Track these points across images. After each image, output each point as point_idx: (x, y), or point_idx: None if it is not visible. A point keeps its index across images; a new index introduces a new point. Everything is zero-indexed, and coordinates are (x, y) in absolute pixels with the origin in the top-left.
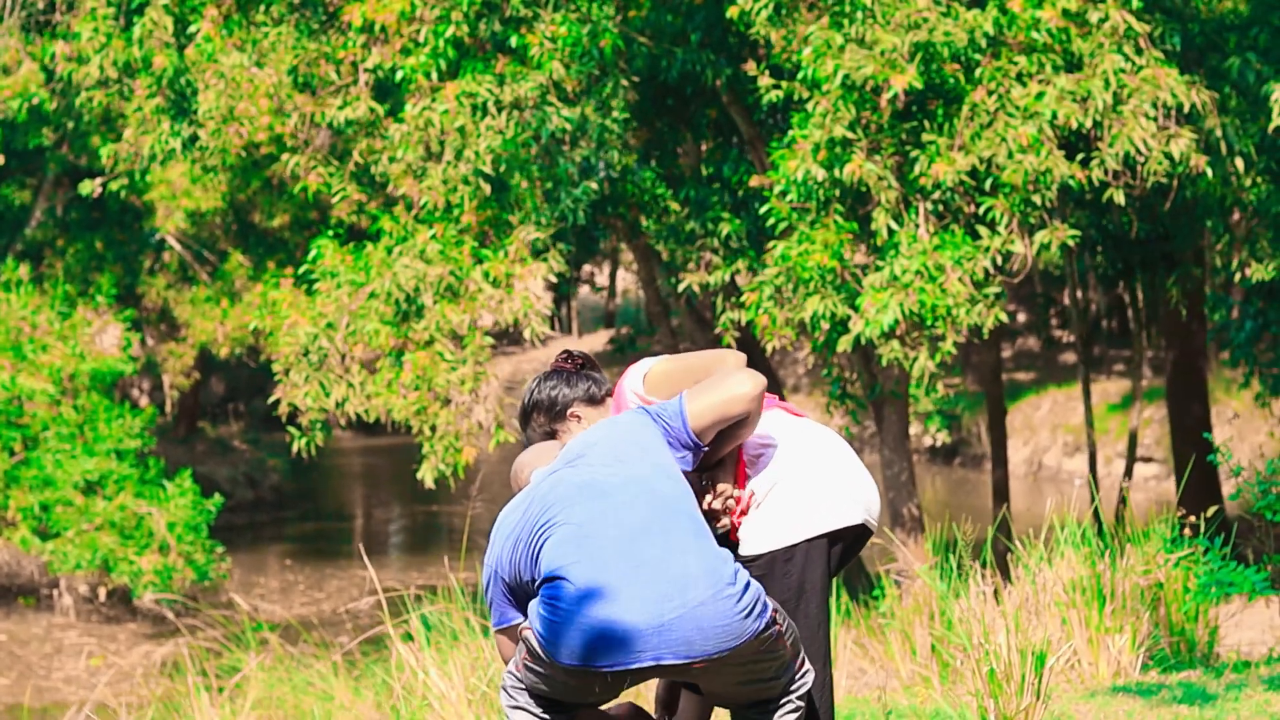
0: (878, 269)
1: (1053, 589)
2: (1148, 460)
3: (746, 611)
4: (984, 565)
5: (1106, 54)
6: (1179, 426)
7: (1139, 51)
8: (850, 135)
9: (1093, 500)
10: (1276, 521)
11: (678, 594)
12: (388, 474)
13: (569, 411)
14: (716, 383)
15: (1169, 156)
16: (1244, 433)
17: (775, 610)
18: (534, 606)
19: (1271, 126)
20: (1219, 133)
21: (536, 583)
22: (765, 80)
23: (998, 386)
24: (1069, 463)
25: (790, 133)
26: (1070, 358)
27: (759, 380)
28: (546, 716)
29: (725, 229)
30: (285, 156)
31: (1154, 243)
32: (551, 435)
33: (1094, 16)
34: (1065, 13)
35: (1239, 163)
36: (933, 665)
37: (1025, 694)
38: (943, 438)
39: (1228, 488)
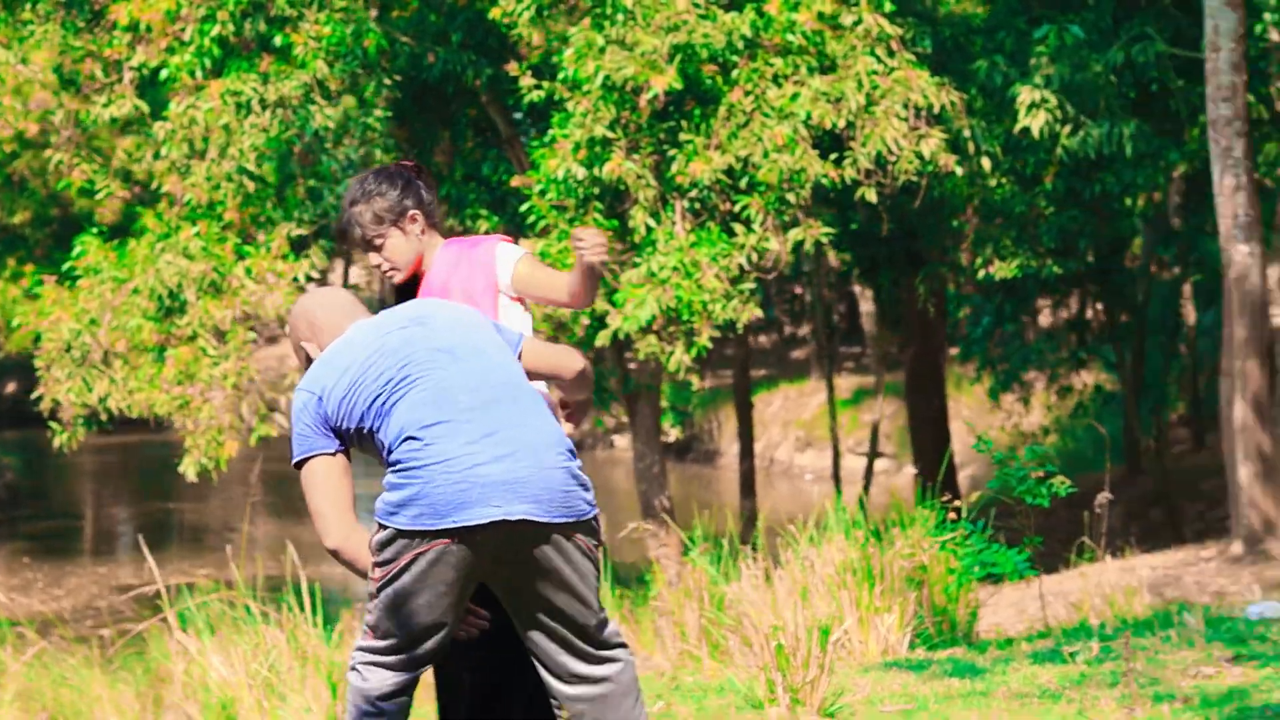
0: (635, 266)
1: (823, 571)
2: (879, 455)
3: (583, 484)
4: (755, 550)
5: (860, 56)
6: (918, 420)
7: (891, 54)
8: (610, 135)
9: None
10: (1036, 505)
11: (530, 455)
12: (119, 471)
13: (410, 213)
14: (560, 348)
15: (919, 156)
16: (976, 426)
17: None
18: (383, 488)
19: (1017, 127)
20: (967, 133)
21: (381, 437)
22: (527, 80)
23: (745, 381)
24: (800, 458)
25: (551, 132)
26: (801, 354)
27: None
28: (402, 672)
29: (484, 226)
30: (49, 152)
31: (899, 240)
32: (371, 244)
33: (848, 19)
34: (820, 15)
35: (985, 162)
36: (703, 645)
37: (811, 667)
38: (676, 433)
39: (963, 476)
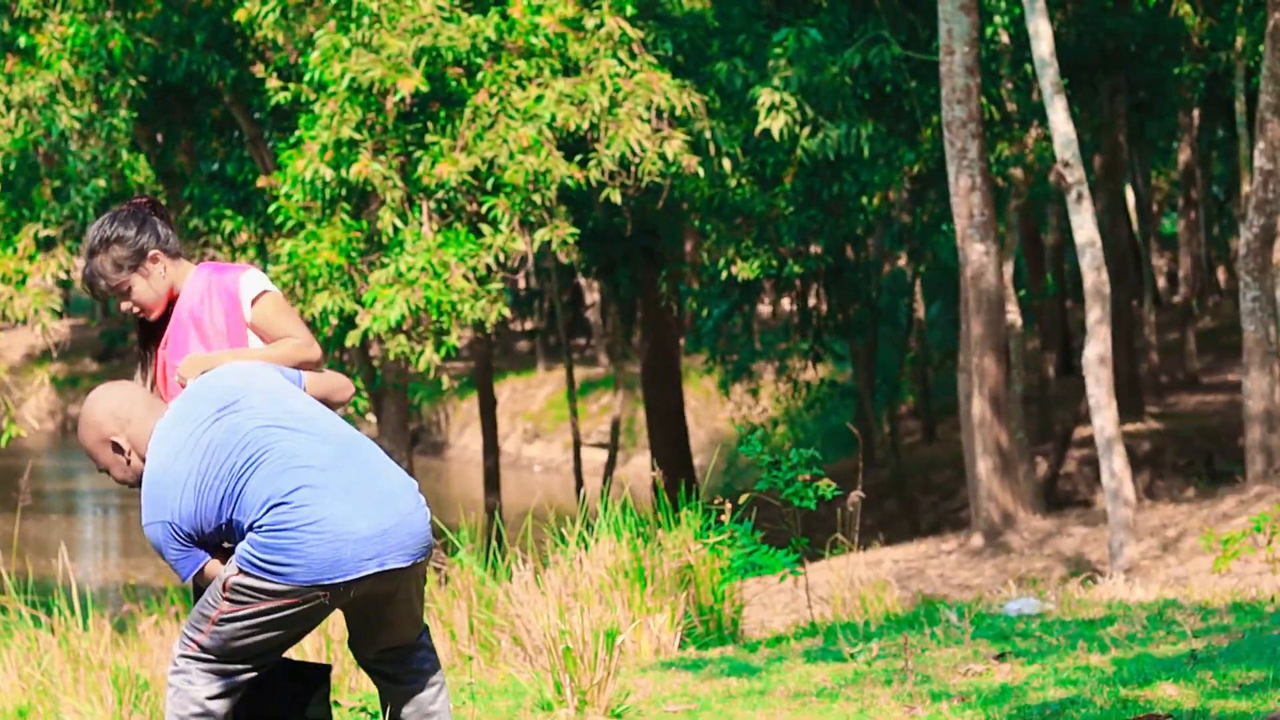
0: (383, 266)
1: (593, 572)
2: (601, 446)
3: (428, 520)
4: (526, 550)
5: (603, 59)
6: (655, 413)
7: (633, 56)
8: (357, 136)
9: (579, 486)
10: (803, 506)
11: (390, 504)
12: None
13: (150, 254)
14: (332, 376)
15: (663, 157)
16: (701, 418)
17: None
18: (247, 544)
19: (758, 129)
20: (708, 135)
21: (244, 521)
22: (274, 82)
23: (487, 377)
24: (529, 449)
25: (298, 134)
26: (525, 346)
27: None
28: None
29: (229, 226)
30: None
31: (638, 238)
32: (118, 291)
33: (590, 22)
34: (563, 19)
35: (726, 163)
36: (473, 645)
37: (598, 669)
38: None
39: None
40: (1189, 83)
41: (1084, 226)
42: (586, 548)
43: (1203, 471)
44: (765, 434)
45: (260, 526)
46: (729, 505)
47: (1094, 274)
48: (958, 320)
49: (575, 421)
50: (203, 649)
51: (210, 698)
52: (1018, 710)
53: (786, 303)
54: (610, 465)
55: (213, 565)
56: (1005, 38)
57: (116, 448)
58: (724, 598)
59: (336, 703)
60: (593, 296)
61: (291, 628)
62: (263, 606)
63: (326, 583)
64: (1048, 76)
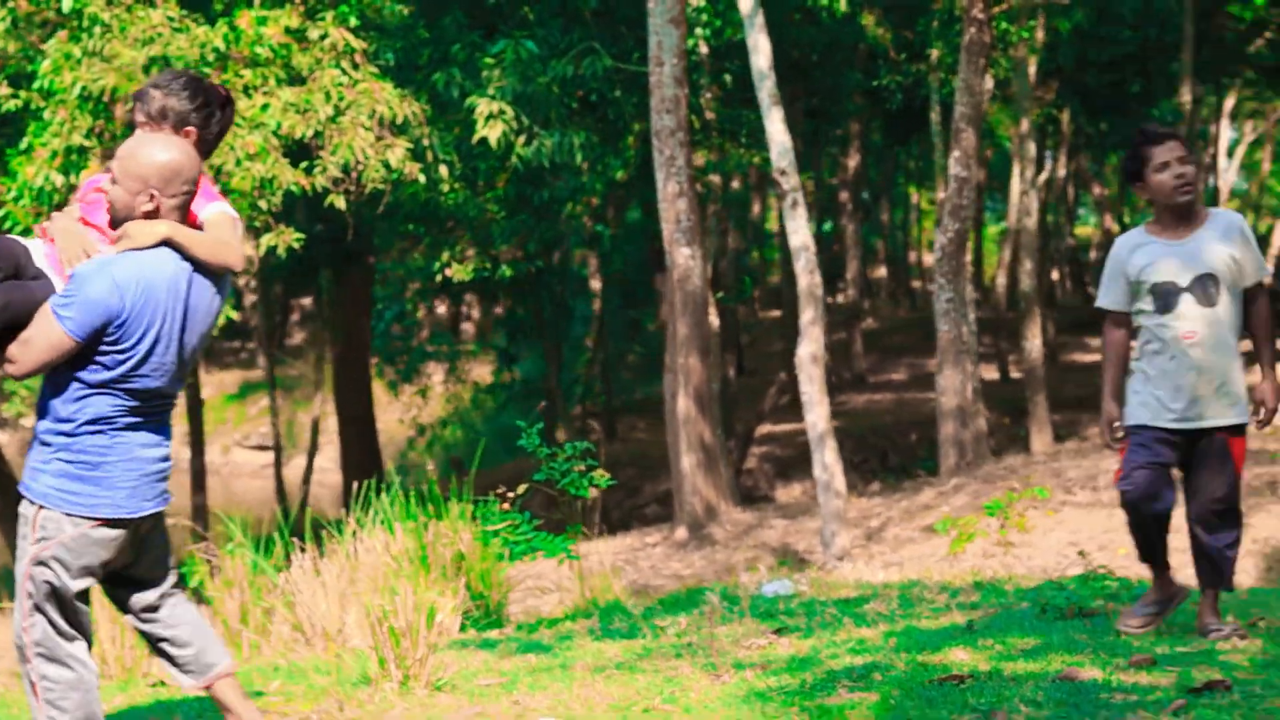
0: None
1: (370, 560)
2: (262, 448)
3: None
4: (303, 541)
5: (326, 69)
6: (346, 414)
7: (356, 66)
8: (86, 144)
9: (280, 487)
10: (579, 496)
11: (167, 459)
12: None
13: (185, 128)
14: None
15: (385, 165)
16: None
17: None
18: (66, 456)
19: (476, 137)
20: (426, 142)
21: (108, 367)
22: (3, 90)
23: (194, 376)
24: (185, 452)
25: (27, 140)
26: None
27: None
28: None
29: None
30: None
31: (337, 242)
32: (160, 118)
33: (314, 33)
34: (288, 29)
35: (443, 170)
36: (244, 632)
37: (420, 645)
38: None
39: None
40: (887, 93)
41: (798, 231)
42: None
43: (877, 468)
44: (435, 435)
45: (74, 434)
46: (510, 495)
47: (807, 276)
48: (637, 323)
49: (276, 424)
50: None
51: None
52: (826, 675)
53: (462, 307)
54: (309, 468)
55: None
56: (705, 50)
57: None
58: (492, 584)
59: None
60: (250, 298)
61: (99, 558)
62: (69, 539)
63: (126, 516)
64: (765, 88)
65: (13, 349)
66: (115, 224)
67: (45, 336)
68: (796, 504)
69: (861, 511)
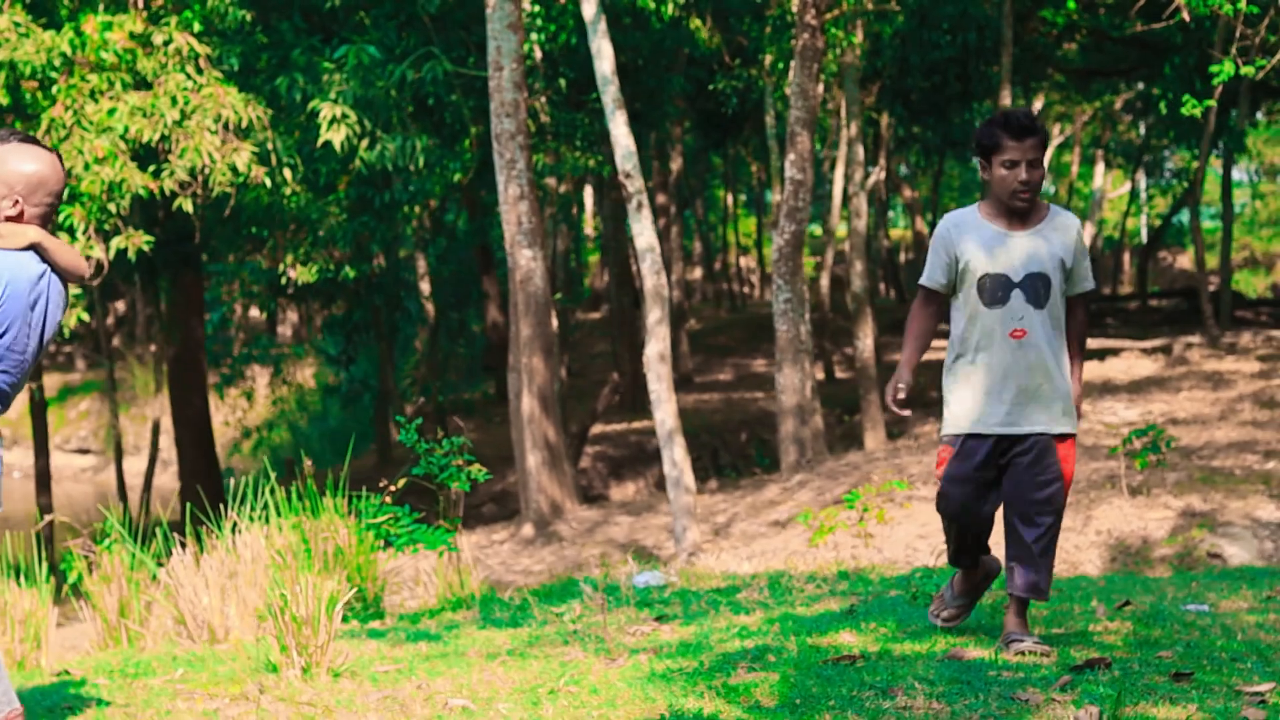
0: None
1: (255, 553)
2: (83, 451)
3: None
4: (194, 533)
5: (171, 73)
6: (181, 415)
7: (200, 71)
8: None
9: (122, 491)
10: (461, 489)
11: None
12: None
13: None
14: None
15: (233, 168)
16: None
17: None
18: None
19: (320, 141)
20: (270, 146)
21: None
22: None
23: (38, 377)
24: (8, 456)
25: None
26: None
27: None
28: None
29: None
30: None
31: (178, 245)
32: None
33: (159, 39)
34: (132, 34)
35: (288, 173)
36: (121, 625)
37: (321, 633)
38: None
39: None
40: (724, 97)
41: (644, 233)
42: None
43: (709, 466)
44: (262, 438)
45: None
46: (391, 489)
47: (654, 277)
48: (463, 324)
49: (117, 428)
50: None
51: None
52: (721, 657)
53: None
54: (150, 471)
55: None
56: (540, 54)
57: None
58: (369, 576)
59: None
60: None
61: None
62: None
63: None
64: (609, 93)
65: None
66: None
67: None
68: (637, 501)
69: (707, 508)
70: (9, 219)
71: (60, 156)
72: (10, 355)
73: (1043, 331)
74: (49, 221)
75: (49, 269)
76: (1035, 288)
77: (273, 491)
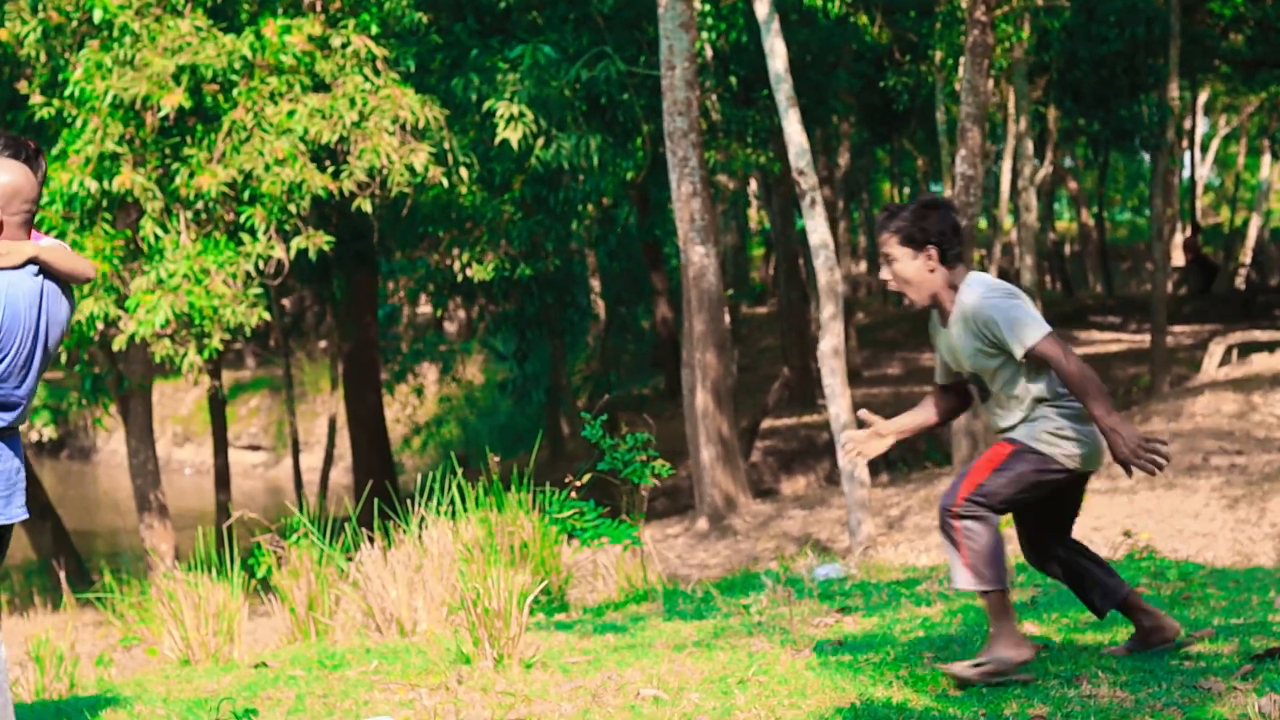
0: (145, 273)
1: (442, 548)
2: (253, 448)
3: None
4: (369, 529)
5: (349, 75)
6: (355, 412)
7: (377, 73)
8: (119, 150)
9: (299, 487)
10: (642, 484)
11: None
12: None
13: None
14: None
15: (410, 168)
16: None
17: None
18: None
19: (497, 139)
20: (446, 145)
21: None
22: (37, 98)
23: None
24: (179, 452)
25: (60, 146)
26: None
27: None
28: None
29: None
30: None
31: (346, 243)
32: None
33: (337, 41)
34: (311, 38)
35: (463, 173)
36: (310, 619)
37: (513, 625)
38: (49, 432)
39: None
40: (893, 94)
41: (817, 230)
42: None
43: (880, 460)
44: (431, 434)
45: None
46: (577, 484)
47: (826, 273)
48: (633, 320)
49: (292, 421)
50: None
51: None
52: (907, 647)
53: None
54: (326, 468)
55: None
56: (710, 52)
57: None
58: (553, 570)
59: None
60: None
61: None
62: None
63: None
64: (782, 91)
65: None
66: None
67: None
68: (809, 495)
69: (879, 501)
70: None
71: (32, 163)
72: (18, 371)
73: (1005, 416)
74: (30, 228)
75: (45, 281)
76: (976, 382)
77: (459, 487)
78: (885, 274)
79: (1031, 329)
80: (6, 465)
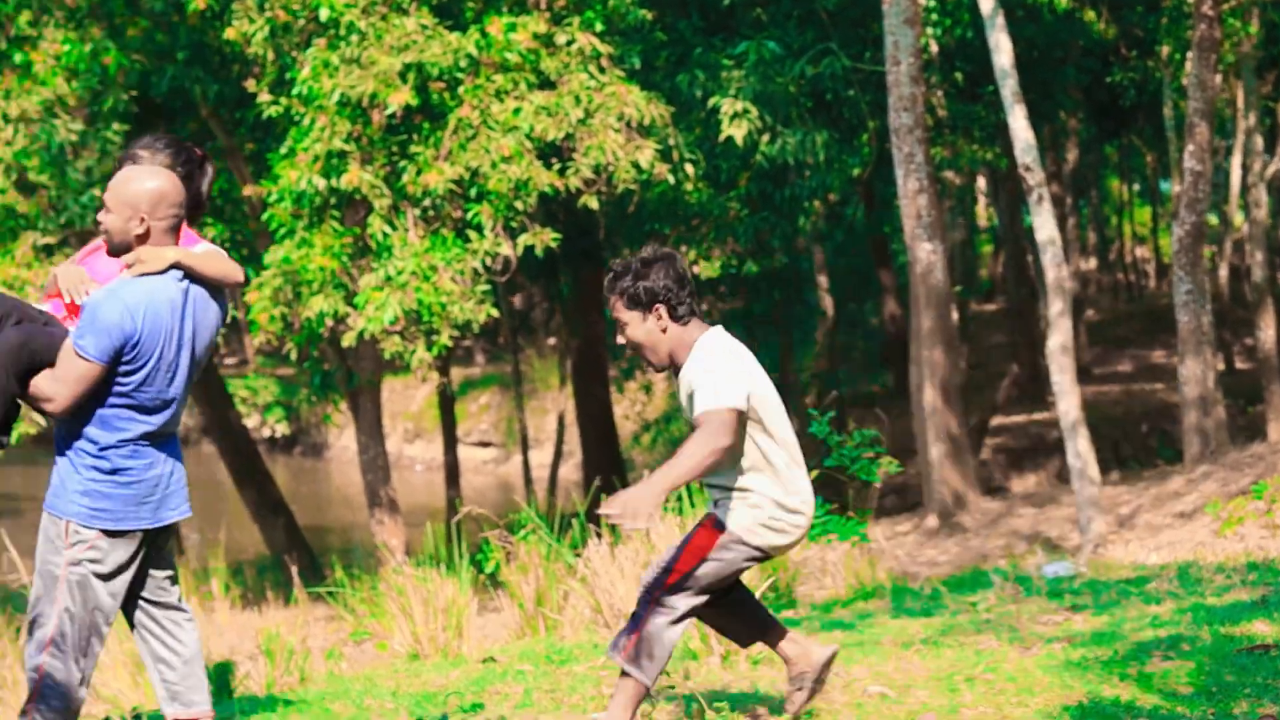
0: (374, 270)
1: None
2: (483, 444)
3: None
4: (597, 525)
5: (575, 73)
6: (585, 410)
7: (602, 70)
8: (346, 148)
9: (528, 483)
10: (870, 481)
11: (182, 470)
12: None
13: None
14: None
15: (636, 165)
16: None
17: None
18: (92, 475)
19: (722, 136)
20: (672, 142)
21: (126, 394)
22: (265, 96)
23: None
24: (410, 449)
25: (288, 144)
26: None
27: None
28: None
29: (210, 233)
30: None
31: (573, 240)
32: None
33: (561, 39)
34: (536, 35)
35: (689, 169)
36: (538, 614)
37: None
38: (282, 429)
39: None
40: (1120, 89)
41: (1044, 226)
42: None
43: (1110, 458)
44: (660, 431)
45: (114, 457)
46: None
47: (1055, 270)
48: (861, 316)
49: (521, 418)
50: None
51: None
52: (1135, 646)
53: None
54: (555, 464)
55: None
56: (935, 48)
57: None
58: (780, 566)
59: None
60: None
61: (126, 575)
62: (101, 553)
63: (148, 526)
64: (1008, 86)
65: (46, 387)
66: (112, 249)
67: (73, 370)
68: (1039, 493)
69: (1110, 499)
70: (138, 239)
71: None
72: (163, 375)
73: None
74: (178, 233)
75: (191, 285)
76: None
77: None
78: (620, 340)
79: (706, 399)
80: (155, 472)
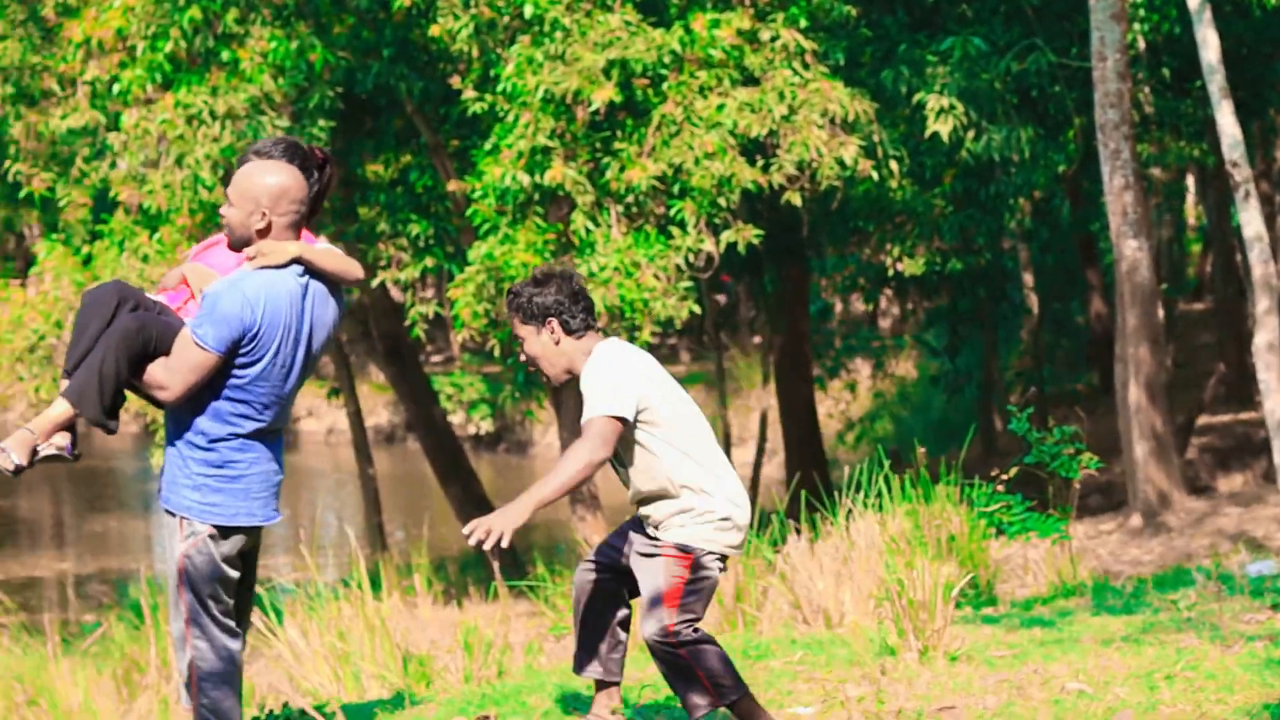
0: (577, 266)
1: (868, 540)
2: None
3: None
4: (798, 522)
5: (778, 69)
6: (788, 407)
7: (806, 66)
8: (550, 144)
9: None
10: (1070, 478)
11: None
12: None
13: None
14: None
15: (840, 162)
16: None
17: None
18: (202, 469)
19: (927, 132)
20: (876, 139)
21: (242, 385)
22: (470, 93)
23: None
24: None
25: (493, 141)
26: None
27: None
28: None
29: (415, 229)
30: (6, 163)
31: (777, 236)
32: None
33: (765, 35)
34: (739, 31)
35: (894, 166)
36: (737, 609)
37: (937, 618)
38: (486, 426)
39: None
40: None
41: (1252, 222)
42: (849, 521)
43: None
44: (864, 429)
45: (212, 446)
46: (1003, 477)
47: (1262, 266)
48: (1067, 315)
49: (725, 415)
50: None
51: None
52: None
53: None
54: (758, 462)
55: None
56: (1143, 44)
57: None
58: (981, 563)
59: None
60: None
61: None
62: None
63: (254, 529)
64: (1215, 82)
65: (160, 375)
66: (233, 243)
67: (188, 358)
68: (1245, 492)
69: None
70: (259, 233)
71: (318, 171)
72: (280, 370)
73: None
74: (299, 230)
75: (310, 280)
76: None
77: (887, 480)
78: (521, 356)
79: (589, 407)
80: (266, 467)
